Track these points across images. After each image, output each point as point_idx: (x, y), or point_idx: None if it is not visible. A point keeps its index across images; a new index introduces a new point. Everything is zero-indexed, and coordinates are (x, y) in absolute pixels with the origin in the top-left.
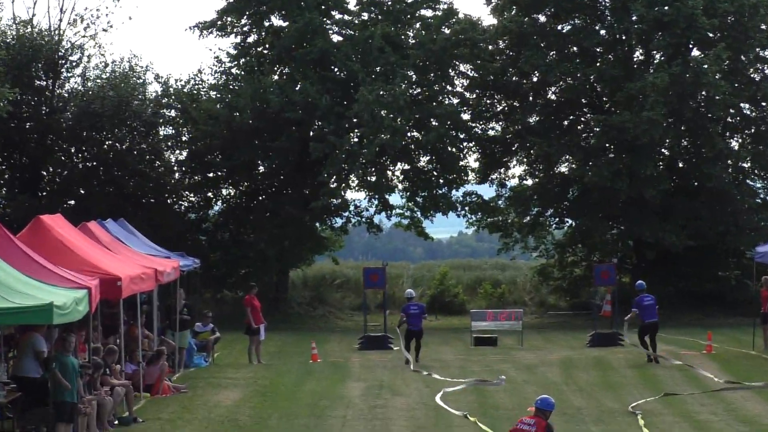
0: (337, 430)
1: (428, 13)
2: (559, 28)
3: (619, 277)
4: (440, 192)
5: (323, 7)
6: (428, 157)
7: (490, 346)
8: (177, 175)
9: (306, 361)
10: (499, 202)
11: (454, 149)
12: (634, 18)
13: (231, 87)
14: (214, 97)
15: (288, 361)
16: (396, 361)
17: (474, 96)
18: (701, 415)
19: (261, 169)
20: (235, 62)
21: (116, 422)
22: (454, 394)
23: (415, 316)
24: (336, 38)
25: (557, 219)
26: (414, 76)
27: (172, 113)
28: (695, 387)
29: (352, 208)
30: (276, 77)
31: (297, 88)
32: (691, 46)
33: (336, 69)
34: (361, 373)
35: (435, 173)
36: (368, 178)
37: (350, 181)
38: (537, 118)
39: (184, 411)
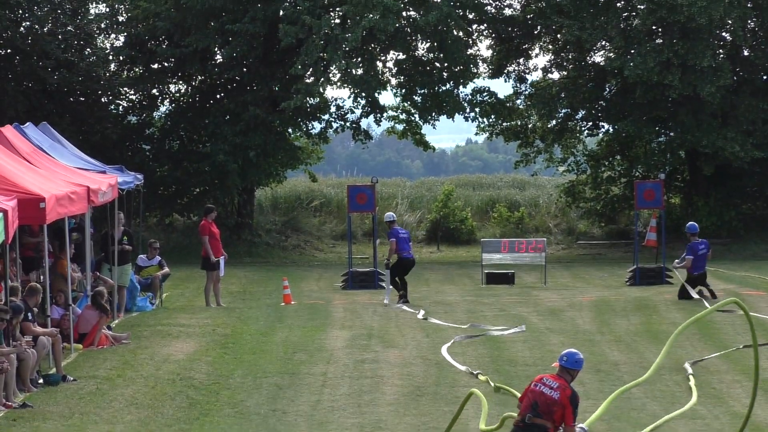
0: (316, 390)
1: None
2: None
3: (667, 197)
4: (443, 89)
5: None
6: (428, 44)
7: (506, 284)
8: (113, 66)
9: (276, 303)
10: (518, 101)
11: (461, 33)
12: None
13: None
14: None
15: (254, 304)
16: (388, 305)
17: None
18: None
19: (218, 59)
20: None
21: (40, 381)
22: (461, 345)
23: (406, 241)
24: None
25: (590, 123)
26: None
27: None
28: (761, 336)
29: (333, 109)
30: None
31: None
32: None
33: None
34: (345, 318)
35: (437, 65)
36: (353, 71)
37: (330, 75)
38: None
39: (126, 367)
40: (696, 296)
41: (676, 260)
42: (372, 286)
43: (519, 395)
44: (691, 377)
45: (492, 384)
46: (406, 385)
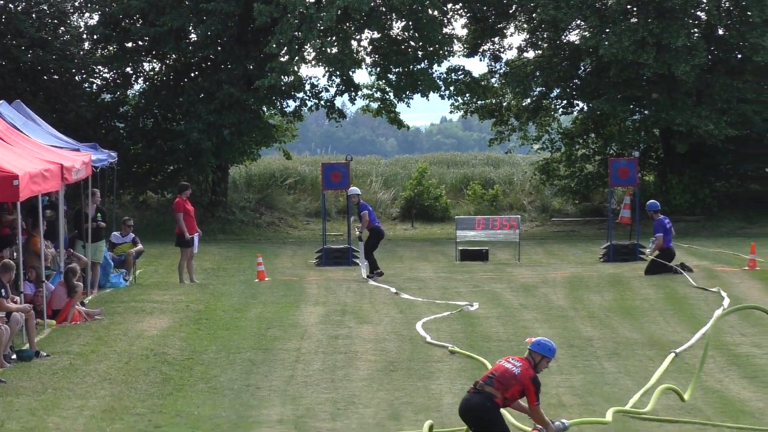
0: (289, 365)
1: None
2: None
3: (641, 175)
4: (418, 68)
5: None
6: (403, 23)
7: (480, 261)
8: (87, 44)
9: (250, 279)
10: (493, 80)
11: (435, 12)
12: None
13: None
14: None
15: (228, 281)
16: (363, 280)
17: None
18: (741, 348)
19: (193, 37)
20: None
21: (14, 356)
22: (435, 321)
23: (373, 213)
24: None
25: (565, 102)
26: None
27: None
28: (734, 312)
29: (307, 87)
30: None
31: None
32: None
33: None
34: (319, 295)
35: (412, 44)
36: (328, 50)
37: (305, 54)
38: None
39: (99, 342)
40: (680, 270)
41: (648, 249)
42: (346, 263)
43: (477, 357)
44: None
45: (470, 354)
46: (380, 360)
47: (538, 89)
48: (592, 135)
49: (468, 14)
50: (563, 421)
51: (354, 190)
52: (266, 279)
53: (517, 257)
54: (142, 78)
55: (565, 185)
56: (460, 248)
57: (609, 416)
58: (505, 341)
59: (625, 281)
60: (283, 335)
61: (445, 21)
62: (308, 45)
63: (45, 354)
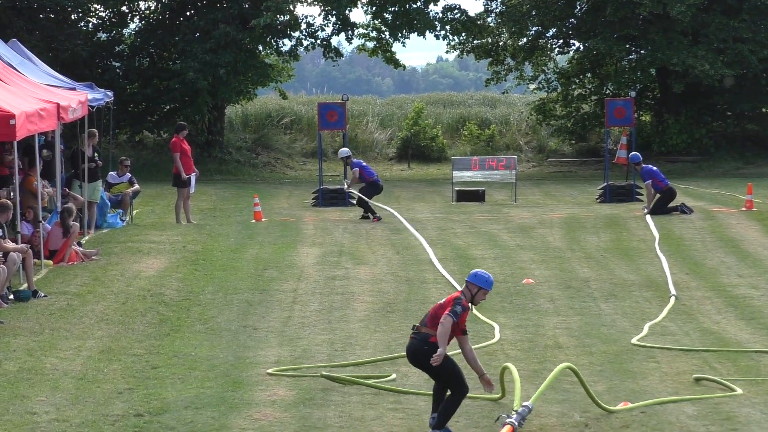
0: (286, 306)
1: None
2: None
3: (637, 115)
4: (414, 6)
5: None
6: None
7: (476, 201)
8: None
9: (247, 220)
10: (489, 19)
11: None
12: None
13: None
14: None
15: (225, 221)
16: (360, 222)
17: None
18: (738, 289)
19: None
20: None
21: (11, 297)
22: (431, 262)
23: (369, 168)
24: None
25: (561, 41)
26: None
27: None
28: (731, 253)
29: (303, 26)
30: None
31: None
32: None
33: None
34: (315, 235)
35: None
36: None
37: None
38: None
39: (96, 283)
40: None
41: (644, 206)
42: (342, 204)
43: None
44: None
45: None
46: (377, 301)
47: (534, 28)
48: (588, 75)
49: None
50: (527, 404)
51: (343, 152)
52: (263, 220)
53: (513, 198)
54: (137, 17)
55: (562, 125)
56: (457, 189)
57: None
58: (502, 282)
59: (621, 222)
60: (280, 276)
61: None
62: None
63: (42, 294)
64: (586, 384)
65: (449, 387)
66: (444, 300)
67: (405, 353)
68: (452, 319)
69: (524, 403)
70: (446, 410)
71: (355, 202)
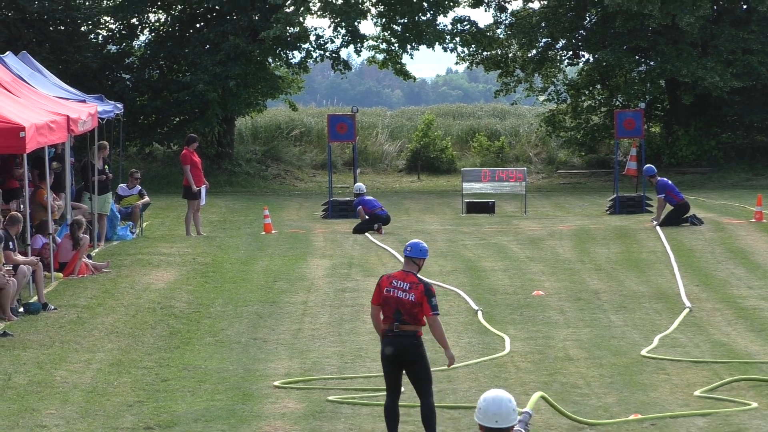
0: (296, 319)
1: None
2: None
3: (647, 126)
4: (424, 18)
5: None
6: None
7: (486, 213)
8: None
9: (257, 232)
10: (498, 31)
11: None
12: None
13: None
14: None
15: (234, 233)
16: (370, 234)
17: None
18: (749, 300)
19: None
20: None
21: (21, 309)
22: (441, 274)
23: (374, 201)
24: None
25: (571, 53)
26: None
27: None
28: (741, 264)
29: (313, 38)
30: None
31: None
32: None
33: None
34: (325, 247)
35: None
36: (333, 0)
37: (310, 4)
38: None
39: (106, 296)
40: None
41: (653, 217)
42: (352, 216)
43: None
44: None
45: (483, 323)
46: None
47: (544, 40)
48: (598, 86)
49: None
50: (528, 410)
51: (356, 187)
52: (273, 231)
53: (523, 209)
54: (147, 29)
55: (571, 137)
56: (467, 200)
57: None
58: (511, 294)
59: (631, 233)
60: (290, 288)
61: None
62: None
63: (52, 307)
64: (559, 408)
65: (422, 386)
66: (411, 295)
67: (384, 348)
68: (439, 315)
69: (524, 410)
70: (431, 419)
71: (375, 227)
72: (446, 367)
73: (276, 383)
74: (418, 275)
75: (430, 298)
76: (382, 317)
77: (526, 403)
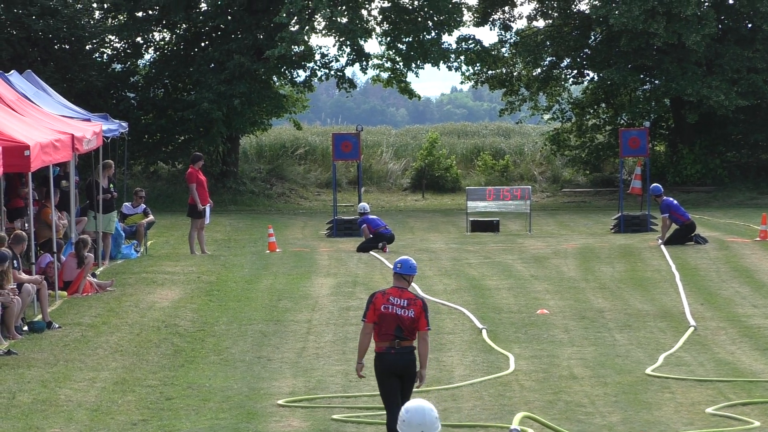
0: (301, 337)
1: None
2: None
3: (651, 145)
4: (429, 37)
5: None
6: None
7: (491, 232)
8: (97, 14)
9: (261, 251)
10: (503, 49)
11: None
12: None
13: None
14: None
15: (239, 252)
16: (375, 252)
17: None
18: (753, 319)
19: (203, 6)
20: None
21: (25, 328)
22: (446, 293)
23: (378, 220)
24: None
25: (575, 71)
26: None
27: None
28: (746, 283)
29: (318, 57)
30: None
31: None
32: None
33: None
34: (330, 266)
35: (422, 12)
36: (338, 19)
37: (315, 23)
38: None
39: (111, 314)
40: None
41: (658, 236)
42: (357, 234)
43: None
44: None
45: (487, 341)
46: None
47: (549, 59)
48: (603, 105)
49: None
50: (516, 428)
51: (360, 207)
52: (277, 250)
53: (528, 228)
54: (152, 47)
55: (576, 155)
56: (471, 219)
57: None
58: (516, 312)
59: (636, 252)
60: (295, 307)
61: None
62: (318, 14)
63: (57, 325)
64: (550, 424)
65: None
66: (411, 311)
67: (387, 366)
68: (429, 329)
69: (512, 427)
70: None
71: (380, 246)
72: (427, 386)
73: (280, 402)
74: (412, 291)
75: (427, 313)
76: (376, 335)
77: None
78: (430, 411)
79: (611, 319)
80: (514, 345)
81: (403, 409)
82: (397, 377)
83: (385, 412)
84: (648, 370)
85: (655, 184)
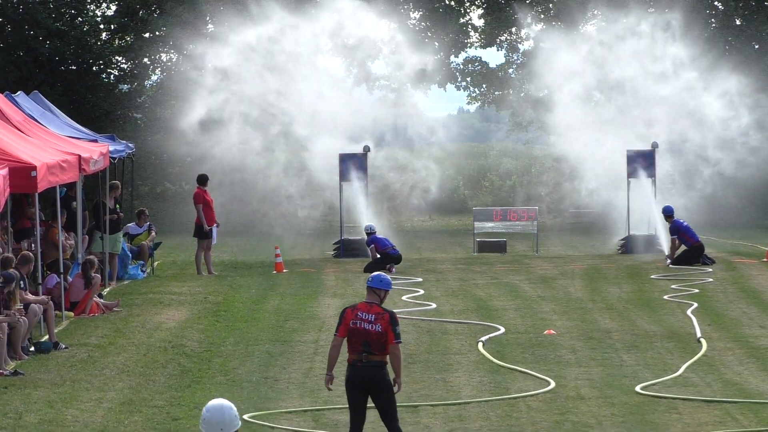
0: (308, 358)
1: None
2: None
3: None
4: (435, 58)
5: None
6: (420, 13)
7: (498, 252)
8: (104, 35)
9: (268, 271)
10: (510, 70)
11: (452, 2)
12: None
13: None
14: None
15: (246, 272)
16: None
17: None
18: (761, 340)
19: (210, 27)
20: None
21: (32, 348)
22: (452, 314)
23: (386, 240)
24: None
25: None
26: None
27: None
28: (753, 304)
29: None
30: None
31: None
32: None
33: None
34: (336, 286)
35: (429, 34)
36: (345, 40)
37: (323, 45)
38: None
39: (117, 334)
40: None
41: (667, 257)
42: (364, 254)
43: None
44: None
45: (486, 355)
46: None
47: None
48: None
49: (484, 4)
50: None
51: (367, 227)
52: (284, 271)
53: (535, 249)
54: (159, 68)
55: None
56: (478, 240)
57: None
58: (523, 333)
59: (643, 273)
60: (301, 327)
61: (462, 11)
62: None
63: (63, 346)
64: None
65: (388, 413)
66: (378, 326)
67: (352, 378)
68: (401, 344)
69: None
70: None
71: (387, 267)
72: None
73: (246, 416)
74: (382, 305)
75: (395, 326)
76: (347, 348)
77: None
78: (229, 409)
79: (618, 340)
80: (521, 365)
81: (204, 409)
82: (363, 390)
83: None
84: (638, 388)
85: (667, 205)
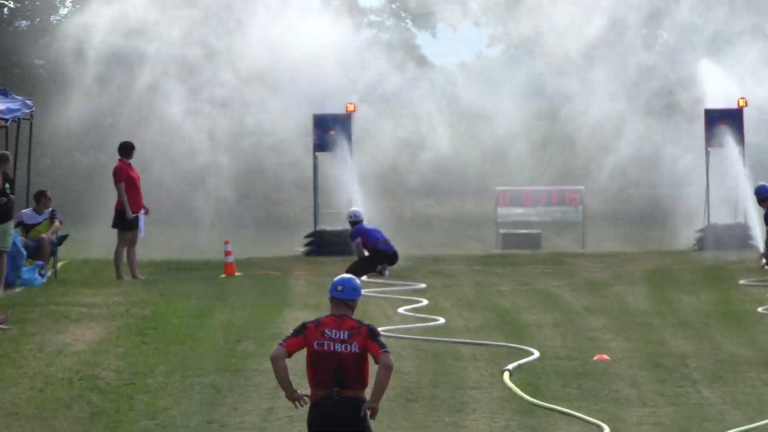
0: (268, 394)
1: None
2: None
3: None
4: None
5: None
6: None
7: (529, 249)
8: None
9: (216, 274)
10: None
11: None
12: None
13: None
14: None
15: (184, 276)
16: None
17: None
18: None
19: None
20: None
21: None
22: (468, 330)
23: (377, 232)
24: None
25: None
26: None
27: None
28: None
29: None
30: None
31: None
32: None
33: None
34: (308, 294)
35: None
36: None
37: None
38: None
39: (4, 361)
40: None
41: (761, 255)
42: (347, 251)
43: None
44: None
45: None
46: (393, 386)
47: None
48: None
49: None
50: None
51: (351, 213)
52: (237, 274)
53: (581, 243)
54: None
55: None
56: (503, 231)
57: None
58: (565, 359)
59: (728, 277)
60: (260, 351)
61: None
62: None
63: None
64: None
65: None
66: (355, 345)
67: (320, 420)
68: (390, 353)
69: None
70: None
71: (378, 269)
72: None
73: None
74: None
75: (376, 337)
76: (313, 379)
77: None
78: None
79: (696, 369)
80: (564, 403)
81: None
82: None
83: None
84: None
85: (761, 184)
